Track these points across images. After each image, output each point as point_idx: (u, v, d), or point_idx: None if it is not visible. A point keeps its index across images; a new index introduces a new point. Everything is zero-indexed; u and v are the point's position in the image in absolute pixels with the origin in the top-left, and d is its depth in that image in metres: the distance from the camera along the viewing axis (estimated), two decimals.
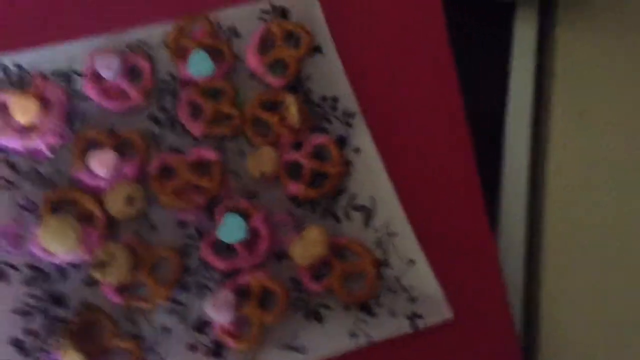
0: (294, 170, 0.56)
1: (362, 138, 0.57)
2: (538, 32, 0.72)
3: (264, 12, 0.61)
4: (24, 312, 0.49)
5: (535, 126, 0.66)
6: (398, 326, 0.51)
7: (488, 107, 0.67)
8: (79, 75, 0.57)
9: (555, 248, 0.58)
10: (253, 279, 0.51)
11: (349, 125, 0.58)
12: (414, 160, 0.58)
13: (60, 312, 0.49)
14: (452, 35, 0.64)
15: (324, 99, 0.59)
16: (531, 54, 0.70)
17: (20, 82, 0.56)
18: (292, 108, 0.56)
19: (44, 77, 0.56)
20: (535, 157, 0.63)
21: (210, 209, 0.54)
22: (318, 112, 0.59)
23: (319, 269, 0.53)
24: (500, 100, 0.67)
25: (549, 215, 0.59)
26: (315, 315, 0.51)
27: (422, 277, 0.52)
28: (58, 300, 0.50)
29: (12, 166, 0.53)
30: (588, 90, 0.70)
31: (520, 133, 0.65)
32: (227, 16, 0.60)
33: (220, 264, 0.51)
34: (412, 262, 0.53)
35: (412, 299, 0.52)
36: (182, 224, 0.54)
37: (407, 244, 0.53)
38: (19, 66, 0.56)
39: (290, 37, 0.61)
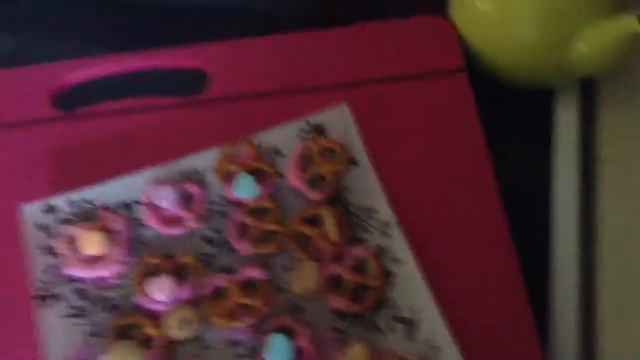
0: (337, 283, 0.59)
1: (401, 248, 0.59)
2: (580, 117, 0.73)
3: (302, 130, 0.66)
4: None
5: (583, 218, 0.66)
6: None
7: (532, 199, 0.68)
8: (139, 204, 0.64)
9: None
10: None
11: (386, 235, 0.61)
12: (453, 269, 0.60)
13: None
14: (491, 129, 0.67)
15: (361, 209, 0.62)
16: (574, 139, 0.71)
17: (86, 215, 0.63)
18: (328, 221, 0.59)
19: (107, 209, 0.63)
20: (585, 255, 0.63)
21: (260, 327, 0.58)
22: (356, 223, 0.62)
23: None
24: (545, 194, 0.68)
25: (603, 322, 0.58)
26: None
27: None
28: None
29: (83, 295, 0.60)
30: (636, 174, 0.70)
31: (568, 224, 0.65)
32: (268, 138, 0.66)
33: None
34: None
35: None
36: (233, 343, 0.57)
37: (450, 358, 0.54)
38: (86, 200, 0.64)
39: (328, 153, 0.65)
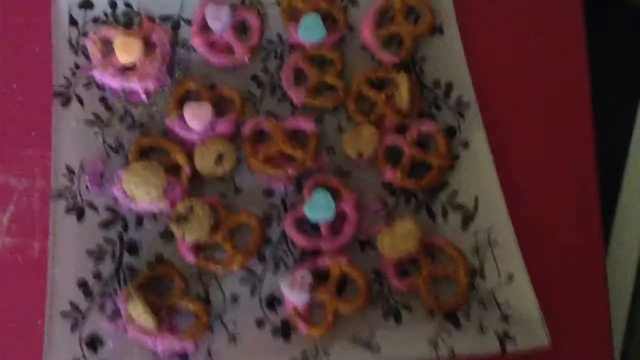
0: (392, 156, 0.52)
1: (475, 132, 0.52)
2: None
3: None
4: (96, 255, 0.48)
5: None
6: (485, 344, 0.46)
7: (616, 122, 0.60)
8: (187, 23, 0.56)
9: None
10: (334, 263, 0.47)
11: (461, 115, 0.53)
12: (526, 165, 0.53)
13: (131, 261, 0.48)
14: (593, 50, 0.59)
15: (437, 83, 0.55)
16: None
17: (127, 21, 0.55)
18: (403, 88, 0.52)
19: (151, 19, 0.55)
20: None
21: (299, 182, 0.51)
22: (428, 97, 0.55)
23: (405, 266, 0.49)
24: (630, 117, 0.60)
25: None
26: (394, 315, 0.47)
27: (521, 296, 0.47)
28: (131, 248, 0.48)
29: (106, 104, 0.53)
30: None
31: None
32: None
33: (302, 241, 0.48)
34: (511, 277, 0.48)
35: (505, 318, 0.47)
36: (268, 192, 0.51)
37: (508, 256, 0.49)
38: (128, 4, 0.56)
39: (410, 13, 0.57)
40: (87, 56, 0.53)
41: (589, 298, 0.49)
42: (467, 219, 0.50)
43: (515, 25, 0.58)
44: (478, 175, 0.51)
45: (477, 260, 0.49)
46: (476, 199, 0.51)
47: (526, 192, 0.52)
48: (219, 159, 0.50)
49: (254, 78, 0.55)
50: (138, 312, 0.43)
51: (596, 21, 0.59)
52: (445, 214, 0.51)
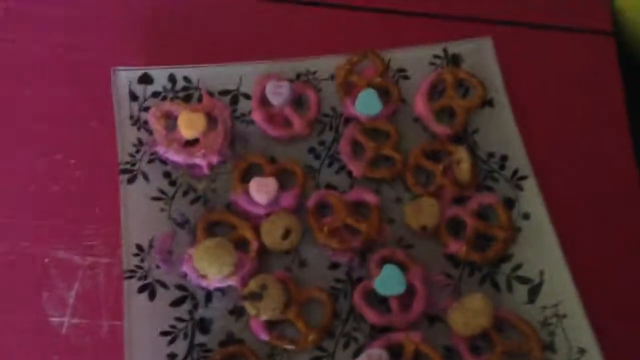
0: (453, 227, 0.53)
1: (534, 203, 0.54)
2: None
3: (436, 57, 0.60)
4: (170, 335, 0.47)
5: None
6: None
7: None
8: (246, 98, 0.57)
9: None
10: (407, 340, 0.47)
11: (519, 187, 0.55)
12: (586, 233, 0.55)
13: (204, 339, 0.47)
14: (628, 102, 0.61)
15: (491, 155, 0.57)
16: None
17: (187, 96, 0.57)
18: (465, 163, 0.53)
19: (211, 94, 0.57)
20: None
21: (364, 255, 0.52)
22: (483, 169, 0.56)
23: (477, 341, 0.49)
24: None
25: None
26: None
27: None
28: (202, 326, 0.48)
29: (171, 180, 0.53)
30: None
31: None
32: (398, 57, 0.59)
33: (373, 316, 0.48)
34: (582, 351, 0.48)
35: None
36: (333, 266, 0.51)
37: (578, 329, 0.49)
38: (187, 80, 0.57)
39: (461, 86, 0.59)
40: (149, 132, 0.54)
41: None
42: (534, 292, 0.51)
43: (562, 94, 0.61)
44: (541, 247, 0.52)
45: (547, 334, 0.49)
46: (541, 271, 0.51)
47: (590, 262, 0.52)
48: (286, 233, 0.50)
49: (311, 150, 0.56)
50: None
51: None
52: (510, 286, 0.51)
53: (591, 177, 0.57)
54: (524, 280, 0.51)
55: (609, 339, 0.48)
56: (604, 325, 0.49)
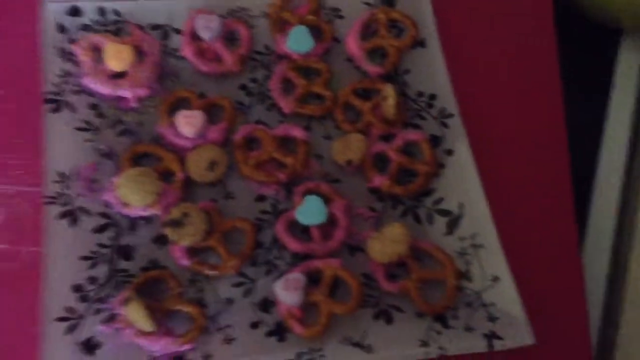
0: (379, 163, 0.55)
1: (458, 140, 0.56)
2: None
3: None
4: (91, 260, 0.48)
5: (631, 148, 0.65)
6: (473, 343, 0.49)
7: (586, 129, 0.65)
8: (177, 33, 0.58)
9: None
10: (326, 266, 0.49)
11: (444, 125, 0.57)
12: (506, 169, 0.57)
13: (126, 265, 0.49)
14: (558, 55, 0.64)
15: (420, 94, 0.58)
16: (634, 80, 0.69)
17: (117, 30, 0.57)
18: (390, 99, 0.55)
19: (141, 28, 0.57)
20: (628, 180, 0.62)
21: (290, 188, 0.53)
22: (412, 108, 0.58)
23: (394, 269, 0.52)
24: (598, 124, 0.66)
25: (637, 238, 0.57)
26: (385, 316, 0.50)
27: (506, 297, 0.50)
28: (125, 252, 0.49)
29: (97, 111, 0.54)
30: None
31: (615, 156, 0.64)
32: None
33: (294, 245, 0.50)
34: (496, 278, 0.51)
35: (492, 318, 0.50)
36: (259, 198, 0.53)
37: (493, 258, 0.52)
38: (117, 13, 0.57)
39: (394, 27, 0.61)
40: (76, 63, 0.54)
41: (569, 297, 0.53)
42: (453, 224, 0.54)
43: (492, 36, 0.63)
44: (462, 182, 0.54)
45: (464, 263, 0.52)
46: (461, 205, 0.54)
47: (507, 197, 0.55)
48: (211, 165, 0.52)
49: (243, 87, 0.57)
50: (137, 315, 0.44)
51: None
52: (430, 219, 0.54)
53: (516, 117, 0.60)
54: (444, 213, 0.54)
55: (521, 268, 0.51)
56: (516, 255, 0.52)
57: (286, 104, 0.56)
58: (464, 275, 0.52)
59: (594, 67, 0.69)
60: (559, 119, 0.60)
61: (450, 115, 0.57)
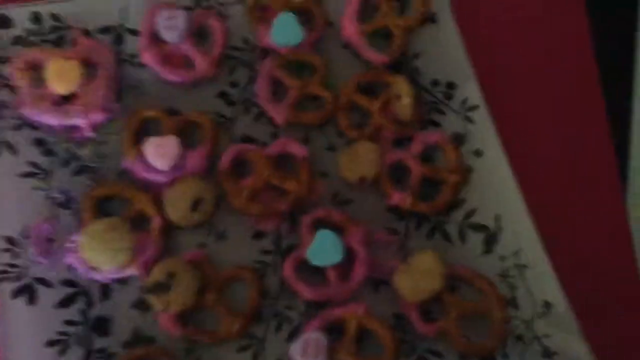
0: (396, 174, 0.47)
1: (486, 138, 0.47)
2: None
3: None
4: (60, 345, 0.40)
5: None
6: None
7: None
8: (133, 34, 0.48)
9: None
10: (349, 315, 0.42)
11: (469, 120, 0.48)
12: (546, 170, 0.49)
13: (104, 343, 0.41)
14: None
15: (436, 83, 0.49)
16: None
17: (58, 39, 0.47)
18: (405, 98, 0.46)
19: (88, 34, 0.47)
20: None
21: (294, 218, 0.45)
22: (427, 100, 0.49)
23: (428, 306, 0.44)
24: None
25: None
26: None
27: (561, 324, 0.43)
28: (101, 327, 0.41)
29: (46, 149, 0.44)
30: None
31: None
32: None
33: (307, 292, 0.42)
34: (548, 304, 0.44)
35: (548, 353, 0.43)
36: (257, 235, 0.45)
37: (542, 280, 0.45)
38: (56, 18, 0.47)
39: (397, 1, 0.51)
40: (11, 89, 0.44)
41: (631, 324, 0.46)
42: (490, 241, 0.46)
43: (516, 4, 0.53)
44: (497, 189, 0.46)
45: (507, 288, 0.45)
46: (498, 216, 0.46)
47: (549, 203, 0.47)
48: (195, 204, 0.43)
49: (222, 95, 0.48)
50: None
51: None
52: (463, 237, 0.46)
53: (552, 105, 0.51)
54: (478, 228, 0.46)
55: (576, 290, 0.44)
56: (569, 274, 0.44)
57: (278, 113, 0.47)
58: (510, 303, 0.44)
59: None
60: (599, 106, 0.51)
61: (475, 107, 0.48)
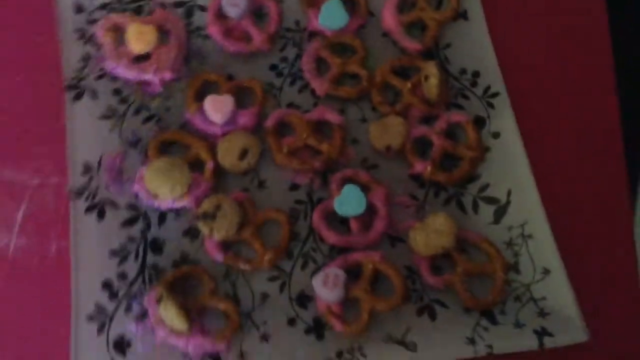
0: (420, 148, 0.53)
1: (505, 122, 0.53)
2: None
3: None
4: (120, 255, 0.47)
5: None
6: (523, 340, 0.47)
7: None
8: (202, 10, 0.55)
9: None
10: (366, 259, 0.48)
11: (490, 105, 0.54)
12: (555, 153, 0.54)
13: (156, 260, 0.48)
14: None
15: (463, 71, 0.55)
16: None
17: (138, 9, 0.55)
18: (433, 79, 0.52)
19: (164, 6, 0.55)
20: None
21: (325, 176, 0.51)
22: (454, 86, 0.55)
23: (438, 262, 0.50)
24: None
25: None
26: (429, 312, 0.48)
27: (557, 290, 0.48)
28: (155, 246, 0.48)
29: (121, 97, 0.52)
30: None
31: None
32: None
33: (332, 237, 0.49)
34: (547, 271, 0.49)
35: (542, 313, 0.48)
36: (293, 187, 0.51)
37: (543, 250, 0.49)
38: None
39: None
40: (97, 46, 0.53)
41: (624, 290, 0.50)
42: (500, 212, 0.51)
43: (541, 9, 0.59)
44: (510, 167, 0.52)
45: (512, 254, 0.50)
46: (509, 191, 0.51)
47: (557, 183, 0.52)
48: (243, 153, 0.50)
49: (273, 67, 0.55)
50: (170, 314, 0.43)
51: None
52: (476, 207, 0.52)
53: (568, 96, 0.56)
54: (490, 201, 0.52)
55: (574, 259, 0.49)
56: (568, 246, 0.49)
57: (320, 86, 0.54)
58: (512, 268, 0.49)
59: None
60: (612, 99, 0.56)
61: (496, 94, 0.54)
